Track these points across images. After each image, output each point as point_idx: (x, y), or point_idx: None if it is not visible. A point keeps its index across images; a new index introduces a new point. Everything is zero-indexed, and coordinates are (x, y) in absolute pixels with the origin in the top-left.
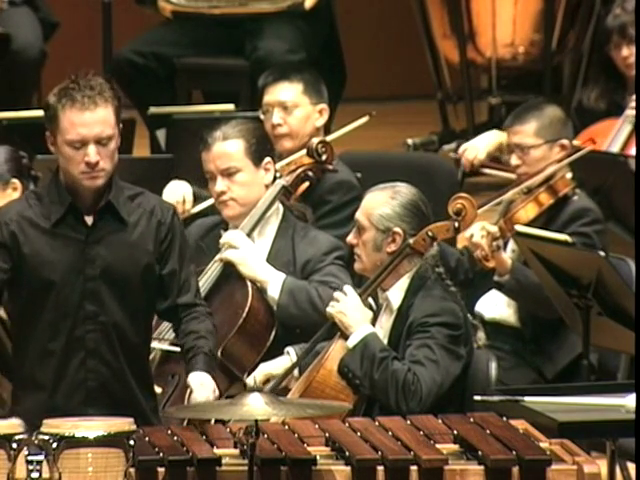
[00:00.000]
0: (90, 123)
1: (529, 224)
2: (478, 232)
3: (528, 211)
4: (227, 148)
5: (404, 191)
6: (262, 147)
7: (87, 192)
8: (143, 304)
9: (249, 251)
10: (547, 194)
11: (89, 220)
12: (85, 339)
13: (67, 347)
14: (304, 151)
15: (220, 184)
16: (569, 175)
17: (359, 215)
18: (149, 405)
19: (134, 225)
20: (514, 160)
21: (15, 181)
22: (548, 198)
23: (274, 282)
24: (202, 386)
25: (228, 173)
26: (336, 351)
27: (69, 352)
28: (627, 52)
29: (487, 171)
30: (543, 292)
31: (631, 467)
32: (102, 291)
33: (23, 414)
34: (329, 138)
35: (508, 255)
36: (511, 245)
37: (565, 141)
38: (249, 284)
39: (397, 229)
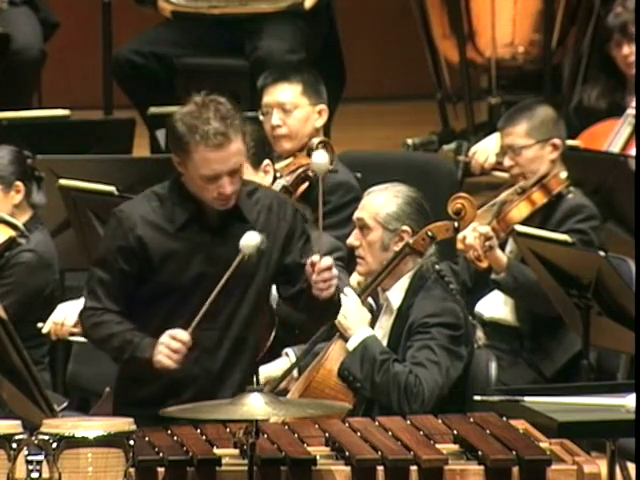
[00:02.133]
0: (225, 159)
1: (523, 223)
2: (470, 234)
3: (521, 210)
4: None
5: (405, 190)
6: (261, 149)
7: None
8: (259, 298)
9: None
10: (540, 193)
11: (214, 222)
12: (202, 338)
13: None
14: (304, 151)
15: None
16: (563, 174)
17: (363, 215)
18: None
19: (254, 222)
20: (507, 161)
21: (19, 183)
22: (541, 197)
23: None
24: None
25: None
26: (335, 351)
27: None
28: (628, 50)
29: (497, 173)
30: (540, 289)
31: (631, 467)
32: (224, 291)
33: (133, 408)
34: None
35: (506, 255)
36: (509, 246)
37: (557, 140)
38: None
39: (405, 227)
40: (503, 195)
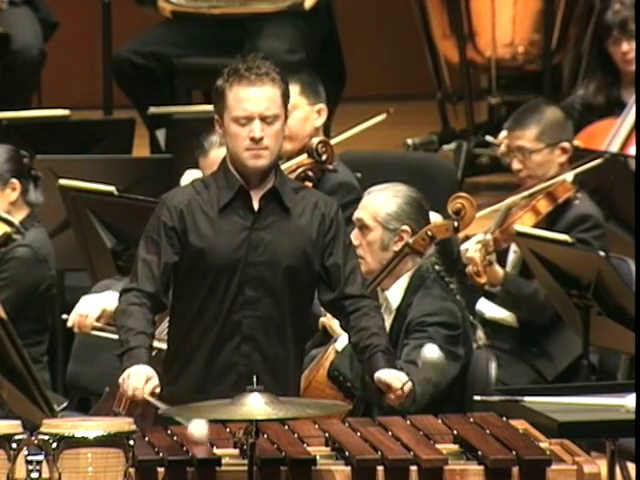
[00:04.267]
0: (256, 99)
1: None
2: (473, 246)
3: (525, 222)
4: (224, 154)
5: (405, 189)
6: None
7: (254, 176)
8: (302, 292)
9: None
10: (546, 201)
11: (256, 205)
12: (242, 324)
13: (223, 331)
14: (305, 151)
15: None
16: (569, 177)
17: (363, 215)
18: (293, 391)
19: (298, 215)
20: (515, 164)
21: (14, 181)
22: (547, 205)
23: None
24: (401, 381)
25: None
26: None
27: (225, 336)
28: (627, 47)
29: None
30: (535, 302)
31: (631, 467)
32: (263, 277)
33: (175, 396)
34: (345, 135)
35: (510, 257)
36: (513, 246)
37: (566, 144)
38: None
39: (405, 227)
40: (509, 200)
